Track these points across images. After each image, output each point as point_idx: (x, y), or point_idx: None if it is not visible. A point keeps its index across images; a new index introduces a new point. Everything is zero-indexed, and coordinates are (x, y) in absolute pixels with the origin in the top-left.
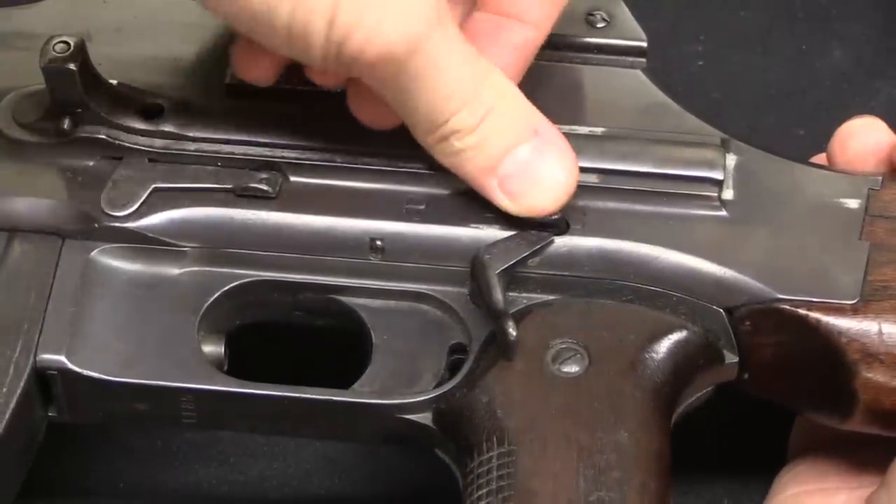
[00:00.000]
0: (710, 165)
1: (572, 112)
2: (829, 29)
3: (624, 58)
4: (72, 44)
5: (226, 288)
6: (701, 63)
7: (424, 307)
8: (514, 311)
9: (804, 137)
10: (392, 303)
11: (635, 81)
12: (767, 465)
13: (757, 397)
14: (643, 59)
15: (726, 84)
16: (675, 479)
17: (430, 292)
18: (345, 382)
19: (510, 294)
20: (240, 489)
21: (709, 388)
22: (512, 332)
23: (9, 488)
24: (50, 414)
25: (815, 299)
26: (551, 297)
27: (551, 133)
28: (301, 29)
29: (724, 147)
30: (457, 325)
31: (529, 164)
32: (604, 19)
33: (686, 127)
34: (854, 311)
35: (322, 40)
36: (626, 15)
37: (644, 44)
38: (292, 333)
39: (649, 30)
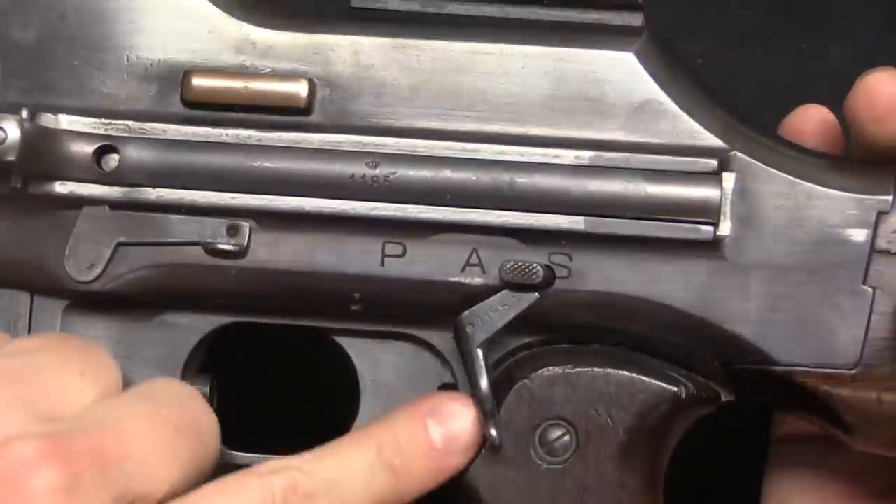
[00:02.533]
0: (706, 204)
1: (559, 119)
2: (829, 27)
3: (618, 14)
4: (8, 133)
5: (203, 335)
6: (700, 61)
7: (411, 347)
8: (499, 356)
9: None
10: (377, 343)
11: (627, 71)
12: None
13: None
14: (639, 15)
15: (725, 83)
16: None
17: (415, 334)
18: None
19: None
20: None
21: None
22: (495, 436)
23: None
24: None
25: (812, 367)
26: (537, 338)
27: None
28: None
29: (723, 165)
30: (444, 368)
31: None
32: None
33: (682, 131)
34: (853, 378)
35: None
36: None
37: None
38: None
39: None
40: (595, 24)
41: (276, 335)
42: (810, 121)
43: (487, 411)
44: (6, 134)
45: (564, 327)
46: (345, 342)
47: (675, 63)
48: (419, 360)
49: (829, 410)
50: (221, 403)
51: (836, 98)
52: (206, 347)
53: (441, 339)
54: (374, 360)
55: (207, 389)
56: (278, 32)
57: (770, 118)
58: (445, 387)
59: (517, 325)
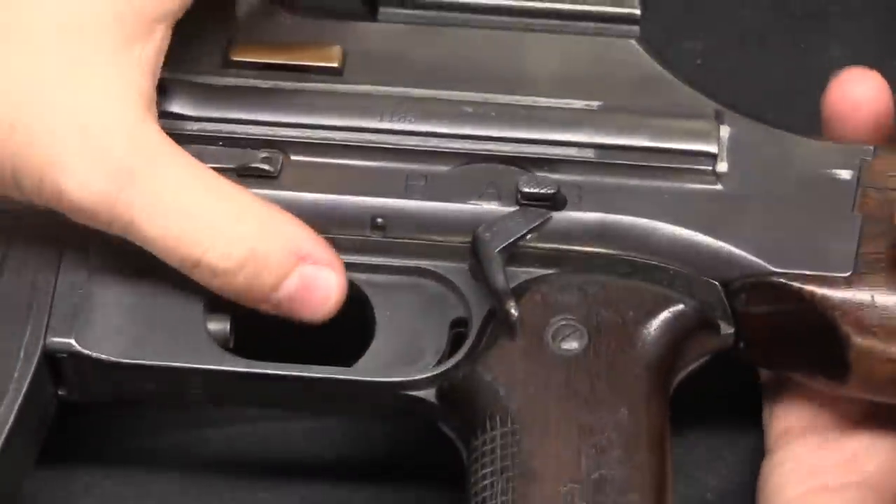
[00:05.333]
0: (704, 139)
1: (568, 85)
2: (828, 27)
3: (617, 26)
4: None
5: None
6: (699, 62)
7: (426, 282)
8: (513, 286)
9: None
10: (394, 278)
11: (629, 52)
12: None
13: (752, 365)
14: (636, 27)
15: (724, 83)
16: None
17: (430, 268)
18: (352, 352)
19: (509, 268)
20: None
21: (704, 358)
22: (514, 312)
23: (23, 466)
24: (60, 393)
25: (808, 272)
26: (550, 272)
27: (315, 251)
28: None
29: (718, 119)
30: (457, 300)
31: (298, 291)
32: None
33: (680, 99)
34: (847, 283)
35: (37, 199)
36: None
37: (637, 11)
38: None
39: (647, 28)
40: (596, 12)
41: None
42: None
43: (505, 295)
44: None
45: (574, 258)
46: (359, 277)
47: (671, 42)
48: (433, 294)
49: (826, 321)
50: (239, 340)
51: None
52: None
53: (456, 272)
54: (388, 293)
55: (228, 327)
56: (311, 20)
57: (768, 117)
58: (459, 321)
59: (528, 256)
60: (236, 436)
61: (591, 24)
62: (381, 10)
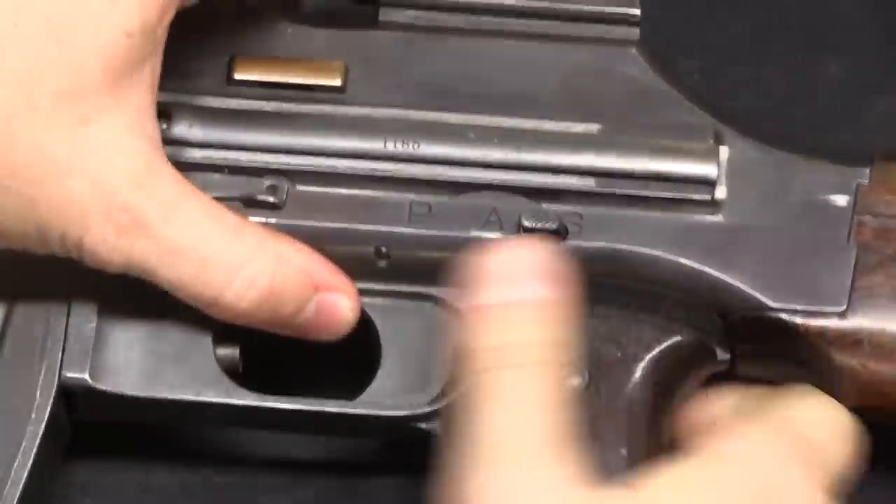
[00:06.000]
0: (704, 165)
1: (569, 103)
2: (825, 41)
3: (617, 28)
4: None
5: None
6: (697, 77)
7: (430, 308)
8: None
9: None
10: (398, 303)
11: (628, 62)
12: None
13: (746, 381)
14: (636, 29)
15: (722, 98)
16: None
17: (434, 293)
18: (358, 366)
19: None
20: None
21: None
22: None
23: (47, 486)
24: (75, 419)
25: (803, 307)
26: None
27: (329, 279)
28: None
29: (718, 140)
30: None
31: (315, 318)
32: None
33: (681, 115)
34: (842, 317)
35: (60, 253)
36: None
37: (637, 11)
38: None
39: (645, 43)
40: (596, 12)
41: None
42: None
43: None
44: None
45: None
46: (366, 302)
47: (669, 59)
48: (438, 320)
49: (820, 354)
50: (249, 365)
51: (832, 113)
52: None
53: (458, 297)
54: (395, 320)
55: (237, 353)
56: (313, 29)
57: (768, 133)
58: None
59: None
60: (235, 436)
61: (592, 26)
62: (382, 10)
